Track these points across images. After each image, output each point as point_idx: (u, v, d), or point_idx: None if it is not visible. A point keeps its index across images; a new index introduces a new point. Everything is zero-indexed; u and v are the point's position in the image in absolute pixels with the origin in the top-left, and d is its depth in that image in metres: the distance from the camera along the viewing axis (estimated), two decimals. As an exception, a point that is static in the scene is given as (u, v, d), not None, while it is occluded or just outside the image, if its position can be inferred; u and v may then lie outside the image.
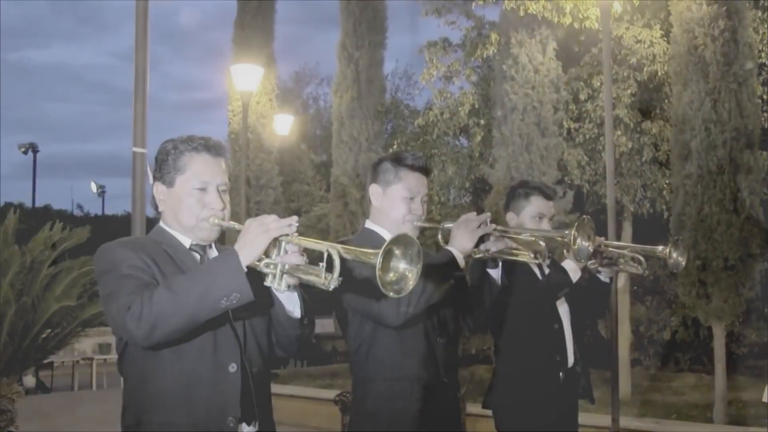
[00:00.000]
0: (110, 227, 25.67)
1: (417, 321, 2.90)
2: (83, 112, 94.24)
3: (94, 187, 35.64)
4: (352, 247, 2.11)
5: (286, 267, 2.18)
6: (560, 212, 9.63)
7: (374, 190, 3.10)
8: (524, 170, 9.91)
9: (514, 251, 3.14)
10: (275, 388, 2.63)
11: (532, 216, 3.79)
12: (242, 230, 2.17)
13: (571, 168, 10.33)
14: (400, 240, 2.04)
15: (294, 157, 21.03)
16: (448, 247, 2.92)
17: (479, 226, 2.92)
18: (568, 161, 10.34)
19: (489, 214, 2.99)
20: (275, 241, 2.17)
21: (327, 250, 2.07)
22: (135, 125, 5.40)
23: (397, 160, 3.08)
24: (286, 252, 2.19)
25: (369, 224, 3.14)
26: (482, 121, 11.42)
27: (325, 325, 14.02)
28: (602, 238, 3.56)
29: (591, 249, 3.11)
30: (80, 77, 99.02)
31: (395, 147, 12.49)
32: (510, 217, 3.85)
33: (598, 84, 9.89)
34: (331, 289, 2.07)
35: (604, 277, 3.78)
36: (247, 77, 11.67)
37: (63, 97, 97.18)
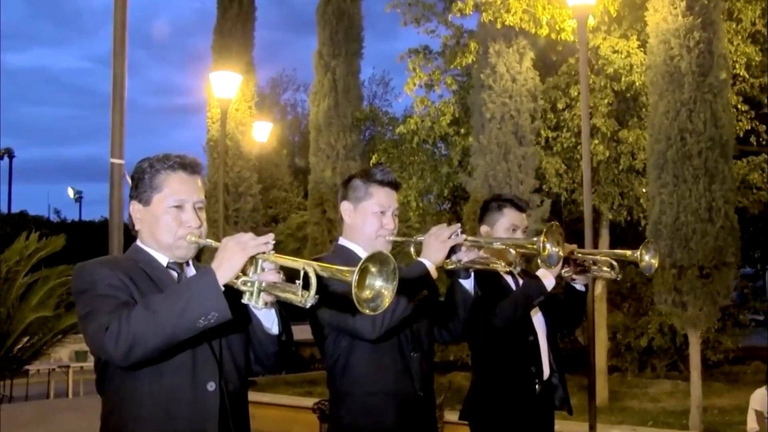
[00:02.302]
0: (88, 233, 25.45)
1: (392, 334, 2.91)
2: (61, 116, 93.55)
3: (71, 192, 35.38)
4: (327, 265, 2.13)
5: (263, 285, 2.20)
6: (538, 221, 9.66)
7: (346, 207, 3.12)
8: (502, 179, 9.95)
9: (486, 261, 3.16)
10: (254, 396, 2.64)
11: (505, 228, 3.80)
12: (219, 248, 2.18)
13: (548, 176, 10.37)
14: (376, 258, 2.06)
15: (272, 164, 20.95)
16: (420, 259, 2.94)
17: (450, 236, 2.93)
18: (545, 170, 10.39)
19: (459, 225, 3.02)
20: (252, 259, 2.18)
21: (303, 268, 2.08)
22: (113, 136, 5.44)
23: (367, 177, 3.10)
24: (263, 270, 2.20)
25: (342, 241, 3.15)
26: (462, 131, 11.48)
27: (303, 332, 13.99)
28: (574, 245, 3.58)
29: (561, 254, 3.13)
30: (59, 81, 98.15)
31: (374, 156, 12.56)
32: (484, 230, 3.86)
33: (576, 93, 9.97)
34: (307, 307, 2.08)
35: (579, 285, 3.80)
36: (226, 85, 11.64)
37: (41, 100, 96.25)
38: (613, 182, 10.47)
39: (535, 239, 3.02)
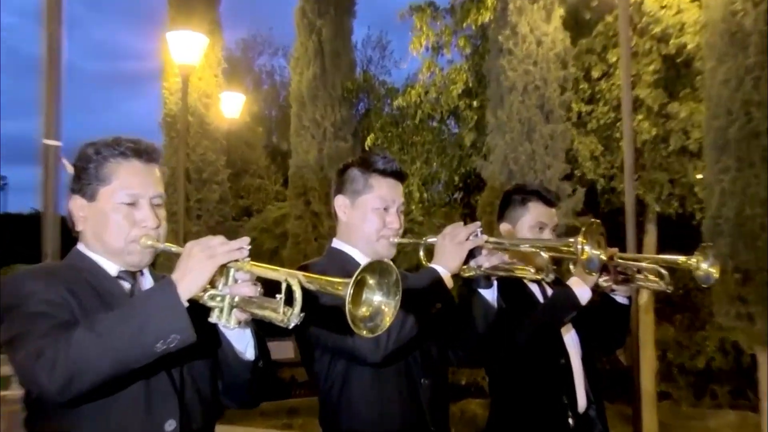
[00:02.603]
0: (13, 228, 25.19)
1: (399, 357, 2.93)
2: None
3: (-8, 178, 35.21)
4: (316, 276, 2.14)
5: (236, 300, 2.21)
6: (569, 214, 9.76)
7: (341, 202, 3.17)
8: (525, 163, 10.01)
9: (511, 267, 3.17)
10: (222, 430, 2.65)
11: (530, 226, 3.86)
12: (182, 255, 2.17)
13: (582, 160, 10.44)
14: (374, 267, 2.08)
15: (244, 145, 20.99)
16: (432, 265, 2.98)
17: (468, 238, 2.97)
18: (578, 152, 10.45)
19: (479, 224, 3.04)
20: (223, 269, 2.19)
21: (286, 280, 2.09)
22: (46, 110, 5.37)
23: (366, 165, 3.14)
24: (235, 281, 2.21)
25: (337, 243, 3.19)
26: (475, 103, 11.52)
27: (281, 349, 13.96)
28: (615, 249, 3.58)
29: (603, 258, 3.13)
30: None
31: (369, 136, 12.66)
32: (505, 228, 3.90)
33: (615, 59, 9.98)
34: (291, 327, 2.10)
35: (621, 297, 3.81)
36: (186, 47, 11.55)
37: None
38: (660, 167, 10.51)
39: (571, 240, 3.02)
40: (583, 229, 3.03)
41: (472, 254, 3.01)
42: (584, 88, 10.62)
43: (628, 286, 3.77)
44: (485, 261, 3.05)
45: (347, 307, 1.99)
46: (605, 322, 3.89)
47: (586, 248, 3.02)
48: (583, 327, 3.86)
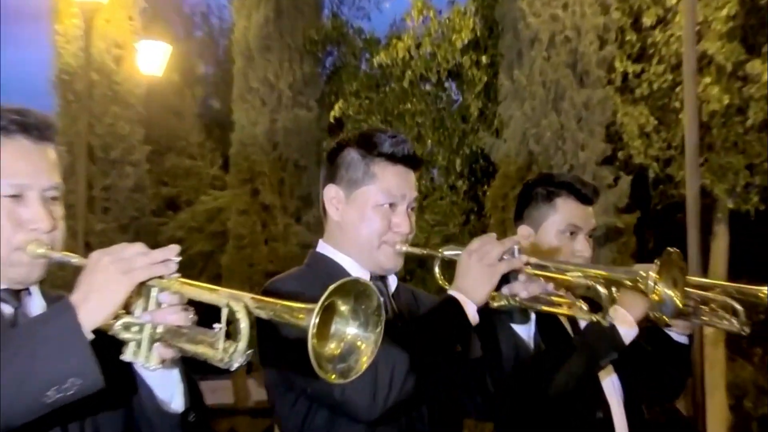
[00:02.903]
0: None
1: (399, 413, 2.98)
2: None
3: None
4: (269, 300, 2.17)
5: (160, 331, 2.23)
6: (609, 210, 9.96)
7: (332, 193, 3.23)
8: (550, 141, 10.25)
9: (558, 300, 3.22)
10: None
11: (559, 230, 3.92)
12: (86, 268, 2.19)
13: (628, 137, 10.62)
14: (348, 289, 2.12)
15: (169, 113, 20.88)
16: (453, 292, 3.02)
17: (501, 257, 3.02)
18: (623, 126, 10.64)
19: (517, 239, 3.10)
20: (142, 288, 2.21)
21: (227, 305, 2.11)
22: None
23: (368, 146, 3.18)
24: (159, 306, 2.24)
25: (324, 248, 3.26)
26: (484, 60, 11.69)
27: (218, 392, 13.91)
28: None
29: (679, 304, 3.20)
30: None
31: (339, 102, 12.74)
32: (524, 232, 3.96)
33: (674, 1, 10.10)
34: (234, 368, 2.12)
35: (679, 335, 3.87)
36: (89, -21, 11.48)
37: None
38: (735, 147, 10.57)
39: (641, 273, 3.07)
40: (659, 261, 3.08)
41: (505, 279, 3.05)
42: (631, 40, 10.73)
43: (690, 321, 3.84)
44: (522, 290, 3.10)
45: (310, 342, 2.02)
46: (657, 364, 3.95)
47: (660, 287, 3.08)
48: (626, 367, 3.90)
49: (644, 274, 3.05)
